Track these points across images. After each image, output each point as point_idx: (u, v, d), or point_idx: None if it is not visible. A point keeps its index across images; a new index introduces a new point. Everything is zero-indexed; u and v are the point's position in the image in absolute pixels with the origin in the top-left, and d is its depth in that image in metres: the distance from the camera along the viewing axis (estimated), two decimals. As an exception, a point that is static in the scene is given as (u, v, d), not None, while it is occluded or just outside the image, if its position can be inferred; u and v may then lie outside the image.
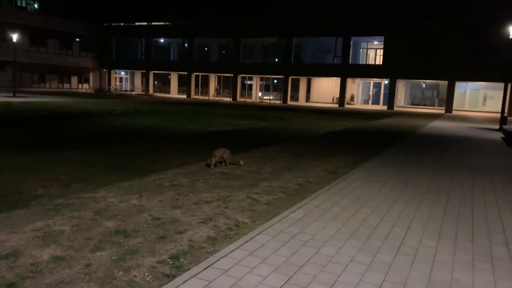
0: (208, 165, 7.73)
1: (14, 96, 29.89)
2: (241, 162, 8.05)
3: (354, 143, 12.41)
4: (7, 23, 39.94)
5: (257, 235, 4.23)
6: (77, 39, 50.41)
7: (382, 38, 39.62)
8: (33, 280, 3.18)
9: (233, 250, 3.82)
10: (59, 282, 3.16)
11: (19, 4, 48.29)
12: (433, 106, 43.28)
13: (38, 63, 45.02)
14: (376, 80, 44.00)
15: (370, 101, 46.16)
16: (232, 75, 45.85)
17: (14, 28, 34.40)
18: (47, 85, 47.22)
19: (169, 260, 3.64)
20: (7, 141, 10.33)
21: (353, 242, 4.19)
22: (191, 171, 7.36)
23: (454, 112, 37.14)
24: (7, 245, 3.81)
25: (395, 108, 39.23)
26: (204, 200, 5.54)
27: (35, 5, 50.12)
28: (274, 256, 3.75)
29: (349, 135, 14.88)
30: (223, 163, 7.96)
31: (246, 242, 4.03)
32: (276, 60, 45.72)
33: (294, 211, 5.10)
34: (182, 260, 3.65)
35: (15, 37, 31.92)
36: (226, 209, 5.15)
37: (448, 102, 37.70)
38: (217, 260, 3.59)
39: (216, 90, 48.96)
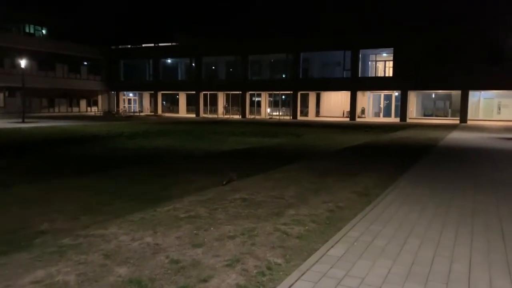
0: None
1: (23, 121, 29.68)
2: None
3: (377, 159, 11.71)
4: (15, 49, 40.15)
5: (295, 281, 3.55)
6: (85, 63, 50.57)
7: (391, 50, 39.08)
8: None
9: (270, 303, 3.16)
10: None
11: (27, 30, 48.72)
12: (446, 116, 42.40)
13: (47, 87, 45.12)
14: (387, 92, 43.33)
15: (381, 114, 45.42)
16: (241, 92, 45.51)
17: (22, 54, 34.46)
18: (56, 109, 47.24)
19: (195, 320, 2.99)
20: (14, 170, 9.82)
21: (413, 287, 3.50)
22: (209, 198, 6.73)
23: (469, 122, 36.26)
24: (0, 304, 3.20)
25: (408, 120, 38.45)
26: (227, 234, 4.89)
27: (43, 31, 50.55)
28: (321, 310, 3.08)
29: (369, 150, 14.18)
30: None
31: (284, 291, 3.36)
32: (284, 75, 45.33)
33: (332, 247, 4.42)
34: (210, 319, 2.99)
35: (23, 63, 31.90)
36: (253, 246, 4.49)
37: (462, 112, 36.84)
38: (253, 319, 2.92)
39: (224, 108, 48.61)
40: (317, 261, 3.99)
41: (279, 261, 4.09)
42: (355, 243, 4.53)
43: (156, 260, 4.10)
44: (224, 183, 8.03)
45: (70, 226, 5.37)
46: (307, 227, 5.19)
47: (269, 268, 3.90)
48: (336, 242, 4.55)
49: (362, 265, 3.94)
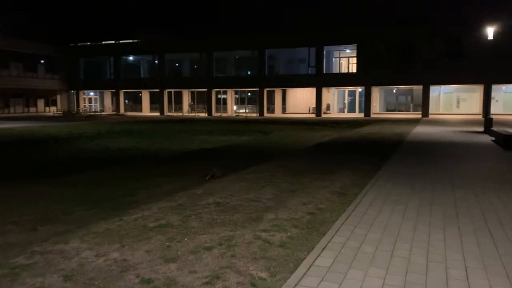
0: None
1: (-26, 123, 27.95)
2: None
3: (349, 156, 11.54)
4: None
5: (285, 299, 3.19)
6: (42, 61, 48.29)
7: (355, 46, 39.48)
8: None
9: (259, 329, 2.78)
10: None
11: (-23, 27, 46.05)
12: (408, 111, 43.29)
13: (1, 87, 42.74)
14: (351, 88, 43.78)
15: (346, 110, 45.88)
16: (206, 89, 44.80)
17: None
18: (12, 110, 44.88)
19: None
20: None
21: (412, 300, 3.21)
22: (180, 204, 6.26)
23: (430, 116, 37.13)
24: None
25: (372, 115, 38.97)
26: (203, 246, 4.46)
27: (-5, 27, 47.90)
28: (317, 334, 2.73)
29: (340, 147, 14.04)
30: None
31: (273, 312, 2.99)
32: (250, 72, 44.98)
33: (319, 255, 4.08)
34: None
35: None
36: (233, 258, 4.09)
37: (424, 106, 37.72)
38: None
39: (190, 106, 47.74)
40: (305, 274, 3.64)
41: (263, 275, 3.71)
42: (343, 250, 4.21)
43: (125, 280, 3.63)
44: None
45: (26, 239, 4.83)
46: (289, 233, 4.84)
47: (253, 285, 3.51)
48: (322, 250, 4.22)
49: (354, 276, 3.62)
